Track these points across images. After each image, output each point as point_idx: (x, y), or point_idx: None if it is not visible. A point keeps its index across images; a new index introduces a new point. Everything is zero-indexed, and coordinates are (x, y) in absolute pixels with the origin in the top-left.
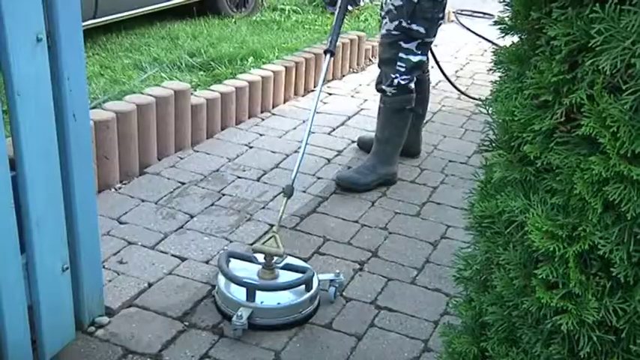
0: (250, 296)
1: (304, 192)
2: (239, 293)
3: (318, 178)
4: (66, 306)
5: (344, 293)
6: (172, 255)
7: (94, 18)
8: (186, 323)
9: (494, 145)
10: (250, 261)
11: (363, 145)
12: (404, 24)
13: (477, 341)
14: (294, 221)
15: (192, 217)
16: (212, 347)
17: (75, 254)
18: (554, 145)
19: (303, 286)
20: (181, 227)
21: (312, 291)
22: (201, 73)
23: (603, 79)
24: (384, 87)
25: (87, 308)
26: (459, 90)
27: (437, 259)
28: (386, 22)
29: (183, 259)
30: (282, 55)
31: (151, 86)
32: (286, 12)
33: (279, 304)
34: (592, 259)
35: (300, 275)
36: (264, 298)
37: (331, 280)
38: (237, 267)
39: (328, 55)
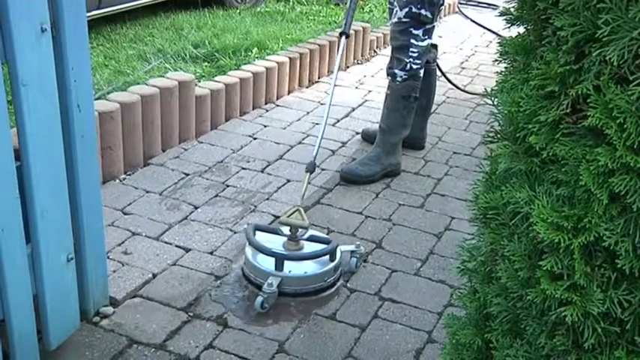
0: (279, 266)
1: (309, 183)
2: (267, 263)
3: (322, 170)
4: (71, 296)
5: (348, 284)
6: (176, 246)
7: (99, 8)
8: (191, 314)
9: (499, 136)
10: (276, 233)
11: (368, 137)
12: (414, 10)
13: (481, 332)
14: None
15: (196, 208)
16: (216, 338)
17: (80, 245)
18: (560, 136)
19: (328, 257)
20: (185, 218)
21: (335, 261)
22: (206, 64)
23: (610, 69)
24: (396, 71)
25: (92, 298)
26: (456, 86)
27: (441, 250)
28: (396, 11)
29: (187, 250)
30: (287, 47)
31: (155, 77)
32: (291, 3)
33: (305, 273)
34: (597, 250)
35: (324, 246)
36: (291, 268)
37: (352, 252)
38: (263, 239)
39: (343, 37)
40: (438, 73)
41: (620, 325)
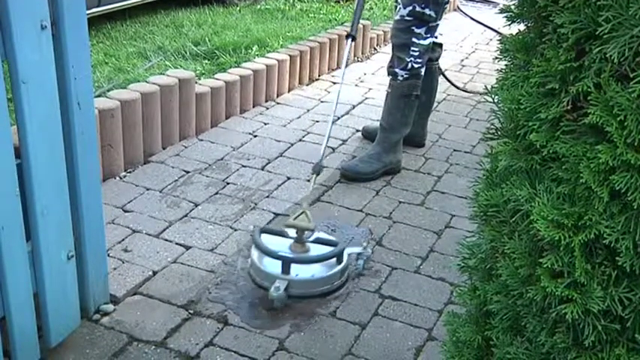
0: (286, 269)
1: (308, 181)
2: (273, 266)
3: (323, 167)
4: (71, 293)
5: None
6: (177, 243)
7: (99, 6)
8: (191, 311)
9: (499, 133)
10: (282, 236)
11: (368, 135)
12: (417, 8)
13: (481, 330)
14: (299, 210)
15: (196, 205)
16: (216, 335)
17: (80, 242)
18: (561, 133)
19: (335, 259)
20: (186, 216)
21: (342, 263)
22: (206, 61)
23: (611, 67)
24: (397, 70)
25: (92, 296)
26: (456, 86)
27: (441, 248)
28: (399, 8)
29: (187, 248)
30: (287, 44)
31: (156, 75)
32: (291, 0)
33: (313, 276)
34: (597, 248)
35: (331, 248)
36: (298, 271)
37: (359, 254)
38: (270, 242)
39: (350, 40)
40: (445, 66)
41: (621, 323)
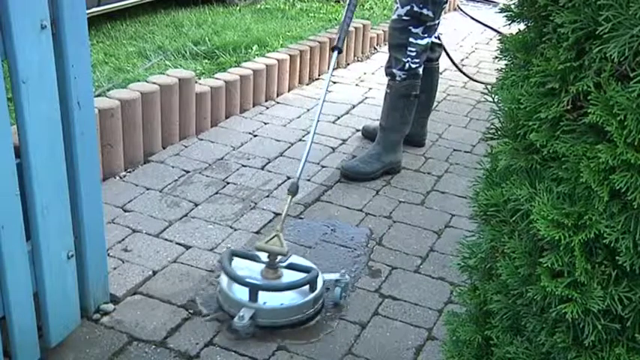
0: (253, 296)
1: (308, 180)
2: (242, 293)
3: (323, 167)
4: (71, 293)
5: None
6: (177, 243)
7: (98, 5)
8: (191, 311)
9: (499, 133)
10: (254, 260)
11: (368, 134)
12: (415, 9)
13: (481, 330)
14: (299, 210)
15: (196, 205)
16: (216, 335)
17: (80, 242)
18: (561, 133)
19: (308, 287)
20: (186, 215)
21: (316, 291)
22: (206, 61)
23: (611, 66)
24: (394, 70)
25: (92, 295)
26: (467, 76)
27: (441, 247)
28: (397, 7)
29: (187, 247)
30: (287, 44)
31: (156, 74)
32: (291, 0)
33: (282, 304)
34: (597, 247)
35: (304, 275)
36: (267, 299)
37: (336, 281)
38: (240, 266)
39: (335, 52)
40: (445, 65)
41: (621, 323)
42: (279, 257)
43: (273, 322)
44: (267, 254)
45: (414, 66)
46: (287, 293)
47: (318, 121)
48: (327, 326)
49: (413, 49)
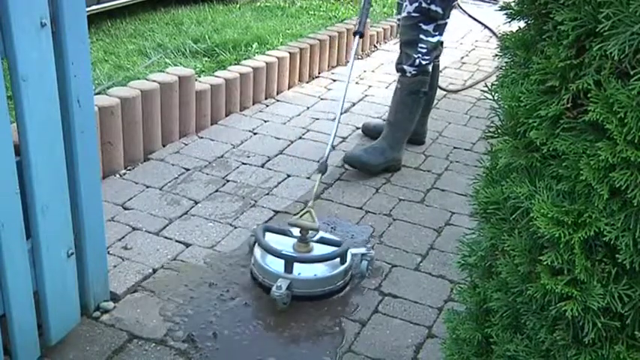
0: (289, 268)
1: (308, 178)
2: (276, 265)
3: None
4: (71, 291)
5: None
6: (177, 241)
7: (98, 3)
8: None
9: (499, 131)
10: (285, 235)
11: (368, 132)
12: (423, 5)
13: (481, 327)
14: (298, 207)
15: (196, 203)
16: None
17: (80, 240)
18: (561, 131)
19: (338, 259)
20: (186, 213)
21: (346, 264)
22: (206, 59)
23: (611, 64)
24: (405, 67)
25: (92, 293)
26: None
27: (441, 245)
28: (406, 5)
29: (187, 245)
30: (287, 41)
31: (155, 72)
32: None
33: (315, 275)
34: (597, 245)
35: (335, 248)
36: (301, 270)
37: (363, 254)
38: (273, 240)
39: (357, 37)
40: (445, 63)
41: (621, 320)
42: (310, 232)
43: (307, 292)
44: (298, 229)
45: (424, 62)
46: (319, 265)
47: (344, 102)
48: (327, 324)
49: (424, 46)
